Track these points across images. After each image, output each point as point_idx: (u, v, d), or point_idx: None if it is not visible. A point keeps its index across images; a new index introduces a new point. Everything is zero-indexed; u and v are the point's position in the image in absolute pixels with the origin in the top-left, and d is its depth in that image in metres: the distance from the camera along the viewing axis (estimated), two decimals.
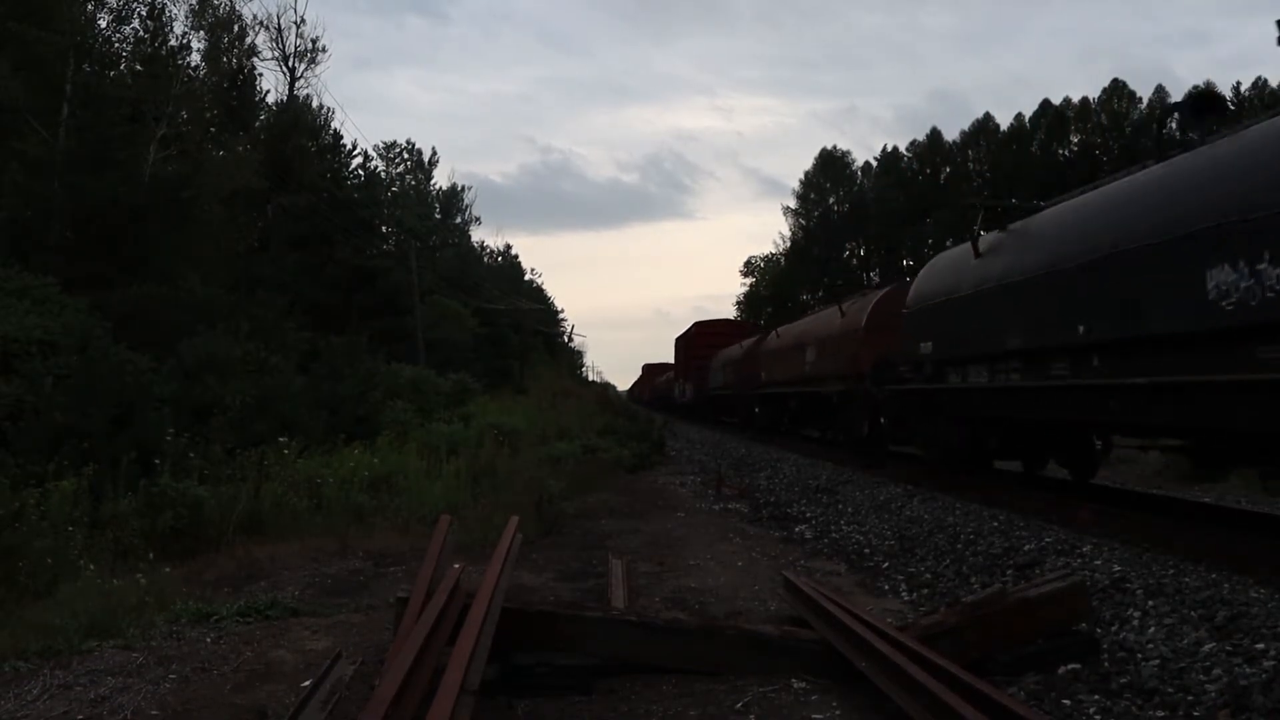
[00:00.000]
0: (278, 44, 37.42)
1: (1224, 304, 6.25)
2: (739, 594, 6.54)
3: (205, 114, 27.00)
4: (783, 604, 5.87)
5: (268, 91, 38.03)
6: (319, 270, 29.05)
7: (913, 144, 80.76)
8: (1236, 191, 6.28)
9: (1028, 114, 72.36)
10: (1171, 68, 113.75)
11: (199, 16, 29.53)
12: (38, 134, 19.53)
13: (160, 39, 26.34)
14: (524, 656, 4.41)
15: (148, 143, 22.09)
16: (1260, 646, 4.40)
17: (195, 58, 29.52)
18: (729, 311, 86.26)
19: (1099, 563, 6.31)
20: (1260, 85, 64.73)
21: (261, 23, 55.93)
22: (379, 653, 4.77)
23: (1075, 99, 71.12)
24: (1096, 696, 4.20)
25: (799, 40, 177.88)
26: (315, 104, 39.22)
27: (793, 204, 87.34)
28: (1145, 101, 68.96)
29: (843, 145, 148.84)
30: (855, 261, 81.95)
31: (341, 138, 41.29)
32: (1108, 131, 69.40)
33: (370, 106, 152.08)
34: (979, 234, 10.53)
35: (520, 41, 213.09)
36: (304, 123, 35.27)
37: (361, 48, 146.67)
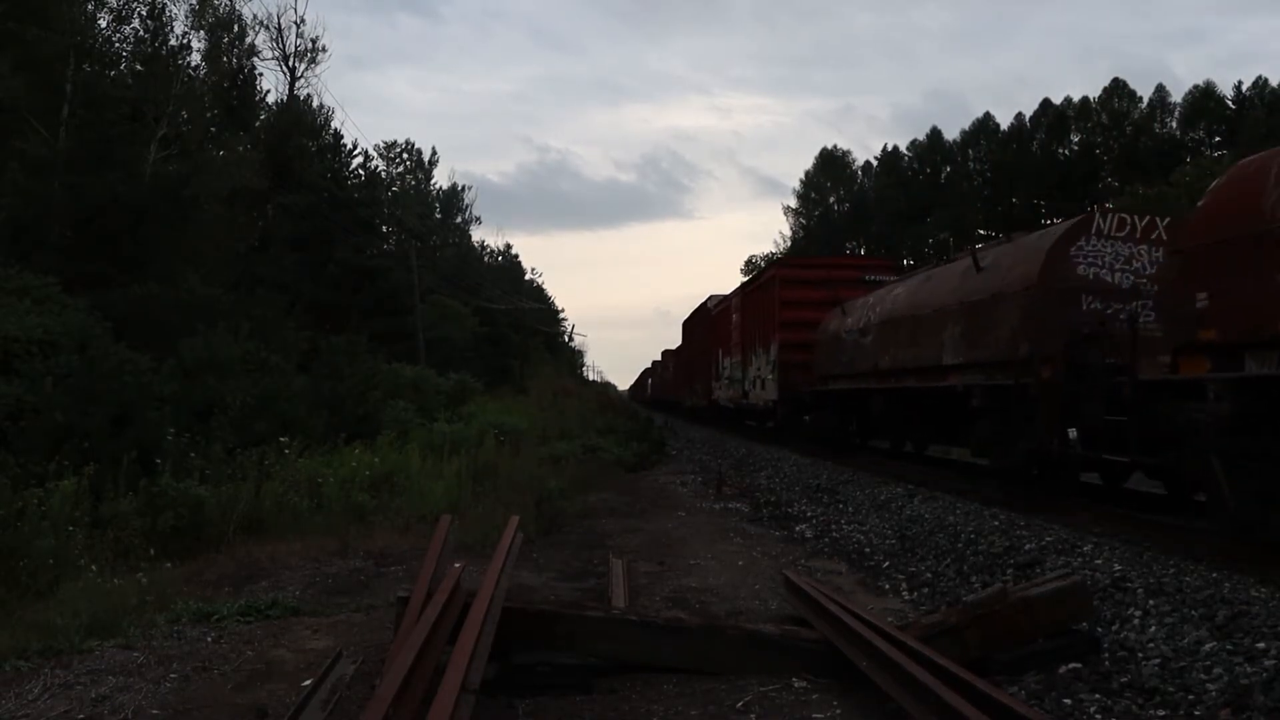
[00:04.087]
0: (278, 44, 37.42)
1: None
2: (740, 593, 6.54)
3: (205, 114, 27.01)
4: (783, 603, 5.87)
5: (268, 91, 38.08)
6: (319, 270, 29.04)
7: (913, 143, 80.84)
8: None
9: (1026, 113, 72.46)
10: (1170, 67, 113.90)
11: (199, 16, 29.56)
12: (38, 134, 19.54)
13: (160, 39, 26.37)
14: (525, 656, 4.41)
15: (148, 143, 22.12)
16: (1261, 645, 4.40)
17: (195, 58, 29.58)
18: None
19: (1099, 562, 6.31)
20: (1261, 84, 64.73)
21: (261, 22, 55.87)
22: (380, 652, 4.77)
23: (1075, 98, 71.22)
24: (1097, 695, 4.20)
25: (795, 39, 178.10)
26: (315, 104, 39.28)
27: (793, 203, 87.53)
28: (1146, 101, 69.05)
29: (840, 145, 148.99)
30: None
31: (342, 137, 41.28)
32: (1108, 130, 69.44)
33: (366, 105, 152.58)
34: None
35: (514, 40, 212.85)
36: (304, 122, 35.29)
37: (355, 46, 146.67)
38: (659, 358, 56.99)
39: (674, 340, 47.98)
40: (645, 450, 18.02)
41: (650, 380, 64.27)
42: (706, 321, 29.15)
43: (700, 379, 30.77)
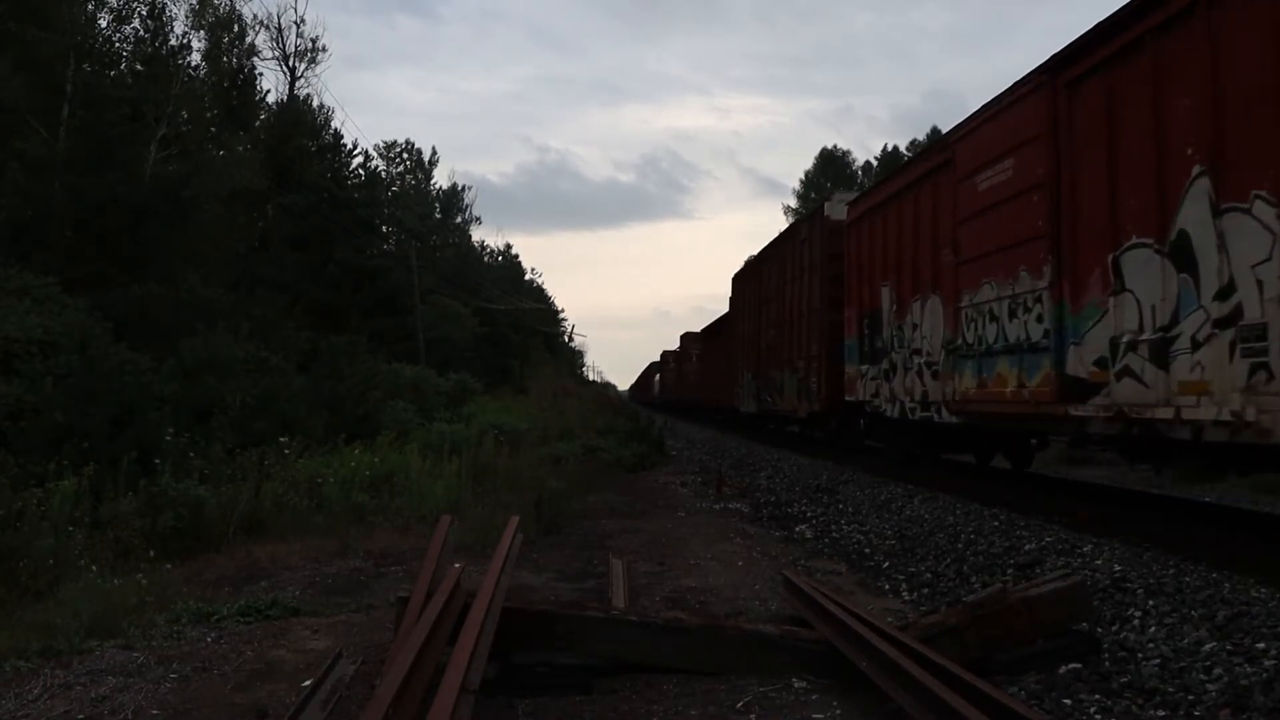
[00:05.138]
0: (278, 44, 37.43)
1: None
2: (739, 593, 6.54)
3: (205, 114, 27.03)
4: (783, 603, 5.87)
5: (268, 91, 38.00)
6: (319, 270, 29.06)
7: (913, 143, 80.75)
8: None
9: None
10: None
11: (199, 16, 29.60)
12: (38, 134, 19.55)
13: (160, 39, 26.41)
14: (525, 656, 4.41)
15: (148, 143, 22.13)
16: (1261, 646, 4.40)
17: (195, 58, 29.61)
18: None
19: (1099, 562, 6.31)
20: None
21: (262, 22, 55.93)
22: (380, 652, 4.77)
23: None
24: (1097, 696, 4.20)
25: (794, 39, 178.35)
26: (315, 104, 39.28)
27: (793, 203, 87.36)
28: None
29: (840, 145, 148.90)
30: None
31: (342, 137, 41.29)
32: None
33: (365, 105, 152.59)
34: None
35: (513, 41, 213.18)
36: (304, 122, 35.28)
37: (354, 47, 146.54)
38: (676, 345, 41.44)
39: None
40: (645, 450, 18.01)
41: (659, 377, 50.82)
42: (817, 251, 15.36)
43: (786, 367, 17.34)
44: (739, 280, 23.58)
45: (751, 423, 23.04)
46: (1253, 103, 5.82)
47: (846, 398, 13.86)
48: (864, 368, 13.14)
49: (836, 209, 15.01)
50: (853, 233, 13.73)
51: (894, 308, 11.93)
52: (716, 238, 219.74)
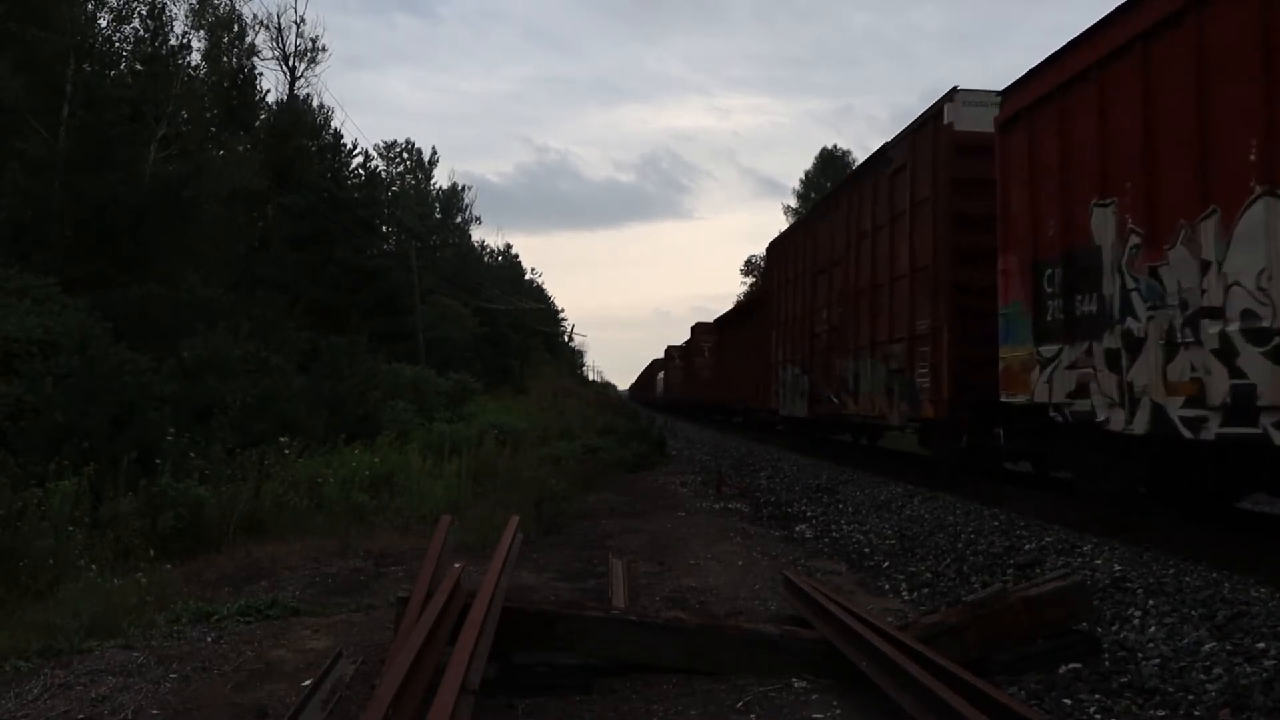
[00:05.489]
0: (278, 43, 37.48)
1: None
2: (739, 593, 6.54)
3: (205, 114, 27.03)
4: (783, 603, 5.87)
5: (268, 91, 38.04)
6: (319, 270, 29.06)
7: None
8: None
9: None
10: None
11: (199, 16, 29.63)
12: (38, 134, 19.56)
13: (160, 39, 26.42)
14: (525, 656, 4.41)
15: (148, 143, 22.13)
16: (1261, 646, 4.40)
17: (195, 58, 29.64)
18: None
19: (1099, 562, 6.31)
20: None
21: (261, 22, 56.04)
22: (380, 652, 4.77)
23: None
24: (1097, 696, 4.20)
25: (794, 39, 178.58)
26: (315, 104, 39.29)
27: (793, 203, 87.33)
28: None
29: (840, 145, 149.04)
30: None
31: (342, 137, 41.30)
32: None
33: (365, 105, 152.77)
34: None
35: (512, 41, 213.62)
36: (304, 122, 35.27)
37: (354, 47, 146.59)
38: (685, 339, 37.64)
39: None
40: (645, 450, 18.01)
41: (663, 375, 46.65)
42: (927, 181, 10.62)
43: (866, 354, 12.61)
44: (779, 249, 19.00)
45: (799, 431, 17.74)
46: None
47: (1003, 397, 8.91)
48: (1044, 349, 8.18)
49: (966, 113, 10.00)
50: (1016, 138, 8.82)
51: (1134, 242, 6.92)
52: (716, 238, 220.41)
